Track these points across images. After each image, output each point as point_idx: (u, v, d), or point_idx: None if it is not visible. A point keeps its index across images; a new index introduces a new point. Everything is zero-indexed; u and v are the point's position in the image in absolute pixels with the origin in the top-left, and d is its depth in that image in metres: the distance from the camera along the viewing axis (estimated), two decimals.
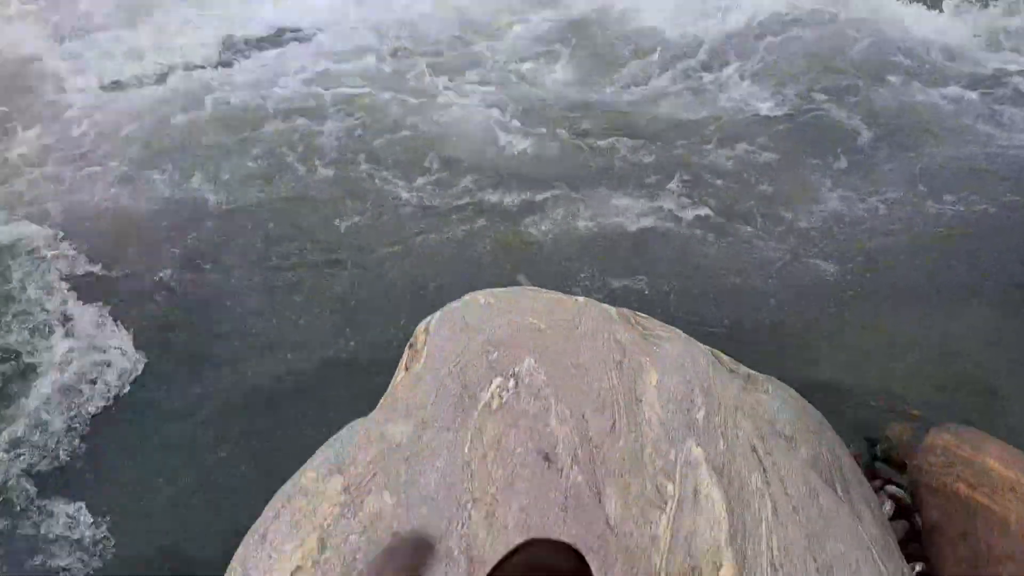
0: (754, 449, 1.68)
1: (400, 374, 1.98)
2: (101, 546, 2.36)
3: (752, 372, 2.11)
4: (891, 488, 2.15)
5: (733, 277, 3.07)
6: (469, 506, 1.47)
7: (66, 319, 3.04)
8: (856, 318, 2.86)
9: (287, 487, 1.57)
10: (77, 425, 2.73)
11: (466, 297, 2.06)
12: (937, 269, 3.03)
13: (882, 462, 2.31)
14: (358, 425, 1.70)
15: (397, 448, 1.59)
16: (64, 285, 3.17)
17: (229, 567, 1.44)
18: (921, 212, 3.32)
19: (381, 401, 1.84)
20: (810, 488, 1.64)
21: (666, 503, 1.52)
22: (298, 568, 1.38)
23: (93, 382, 2.84)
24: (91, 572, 2.30)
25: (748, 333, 2.76)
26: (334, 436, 1.70)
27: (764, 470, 1.63)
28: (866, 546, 1.59)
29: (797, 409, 1.98)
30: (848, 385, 2.59)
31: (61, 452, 2.64)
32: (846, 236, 3.23)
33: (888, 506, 2.06)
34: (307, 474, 1.57)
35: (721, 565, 1.41)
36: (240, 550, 1.46)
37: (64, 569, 2.29)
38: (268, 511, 1.52)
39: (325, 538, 1.42)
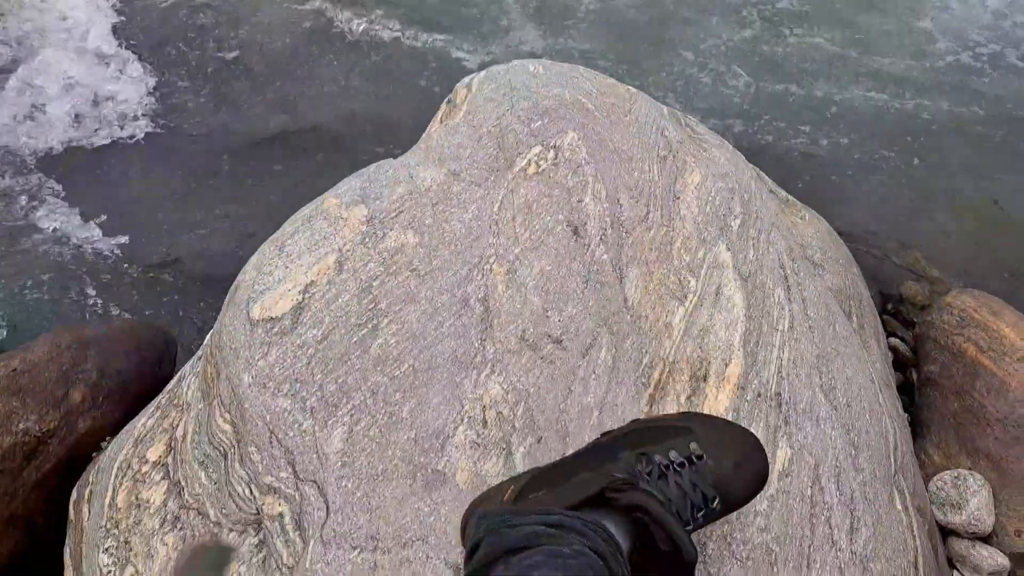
0: (782, 266, 1.64)
1: (435, 126, 1.89)
2: (115, 255, 2.36)
3: (791, 197, 2.05)
4: (894, 340, 2.16)
5: (796, 99, 2.93)
6: (492, 260, 1.44)
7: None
8: (909, 172, 2.76)
9: (308, 209, 1.53)
10: (91, 142, 2.67)
11: (514, 62, 1.94)
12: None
13: (891, 316, 2.30)
14: (387, 164, 1.64)
15: (426, 192, 1.54)
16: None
17: (242, 270, 1.42)
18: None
19: (413, 147, 1.77)
20: (829, 313, 1.63)
21: (686, 296, 1.49)
22: (312, 283, 1.36)
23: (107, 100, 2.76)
24: (102, 280, 2.31)
25: (794, 160, 2.68)
26: (362, 169, 1.64)
27: (788, 287, 1.60)
28: (870, 378, 1.59)
29: (828, 240, 1.93)
30: (876, 236, 2.54)
31: (73, 165, 2.60)
32: (939, 77, 3.03)
33: (889, 356, 2.07)
34: (330, 199, 1.52)
35: (730, 362, 1.40)
36: (255, 257, 1.43)
37: (72, 280, 2.30)
38: (287, 226, 1.48)
39: (343, 261, 1.40)
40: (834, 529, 1.28)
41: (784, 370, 1.44)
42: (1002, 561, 1.69)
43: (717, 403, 1.34)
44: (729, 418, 1.33)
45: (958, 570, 1.74)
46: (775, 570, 1.20)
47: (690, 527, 1.01)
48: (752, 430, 1.32)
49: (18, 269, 2.38)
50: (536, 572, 0.82)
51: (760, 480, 1.08)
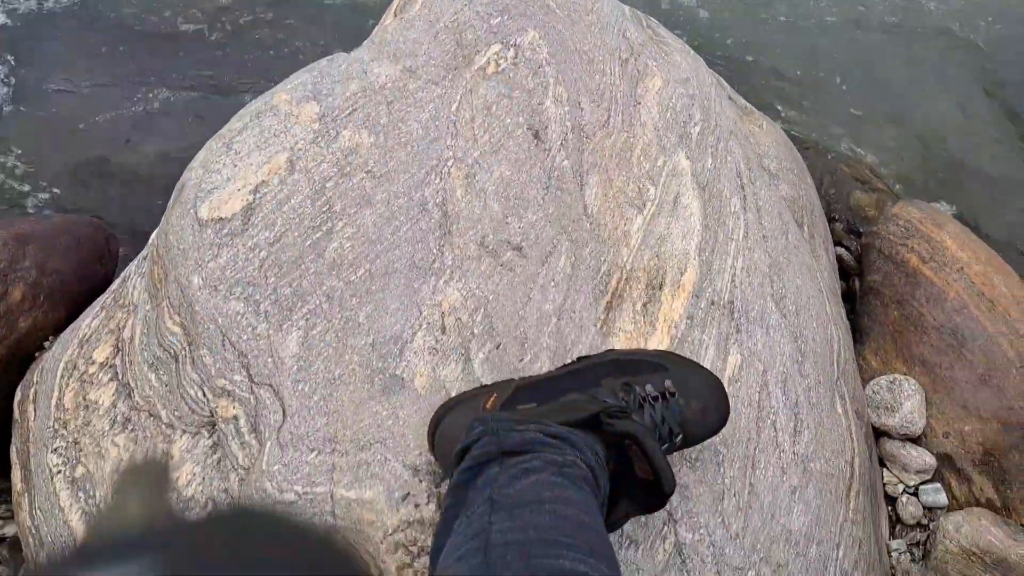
0: (739, 175, 1.64)
1: (389, 18, 1.81)
2: (45, 146, 2.23)
3: (749, 104, 2.03)
4: (840, 249, 2.20)
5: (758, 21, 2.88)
6: (450, 163, 1.40)
7: None
8: (863, 83, 2.76)
9: (256, 103, 1.46)
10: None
11: None
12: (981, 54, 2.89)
13: (838, 225, 2.35)
14: (339, 58, 1.57)
15: (380, 90, 1.48)
16: None
17: (188, 167, 1.36)
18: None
19: (367, 41, 1.69)
20: (783, 223, 1.64)
21: (645, 205, 1.49)
22: (263, 183, 1.31)
23: None
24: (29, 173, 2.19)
25: (751, 67, 2.65)
26: (312, 64, 1.56)
27: (744, 197, 1.60)
28: (819, 287, 1.63)
29: (784, 150, 1.94)
30: (826, 146, 2.56)
31: None
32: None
33: (836, 265, 2.11)
34: (280, 95, 1.45)
35: (685, 271, 1.41)
36: (201, 154, 1.37)
37: None
38: (234, 121, 1.41)
39: (295, 160, 1.34)
40: (779, 432, 1.33)
41: (737, 279, 1.46)
42: (929, 460, 1.79)
43: (672, 311, 1.35)
44: (682, 326, 1.35)
45: (888, 468, 1.84)
46: (722, 470, 1.24)
47: None
48: (706, 339, 1.34)
49: None
50: (533, 475, 0.84)
51: (721, 422, 1.14)
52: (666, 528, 1.17)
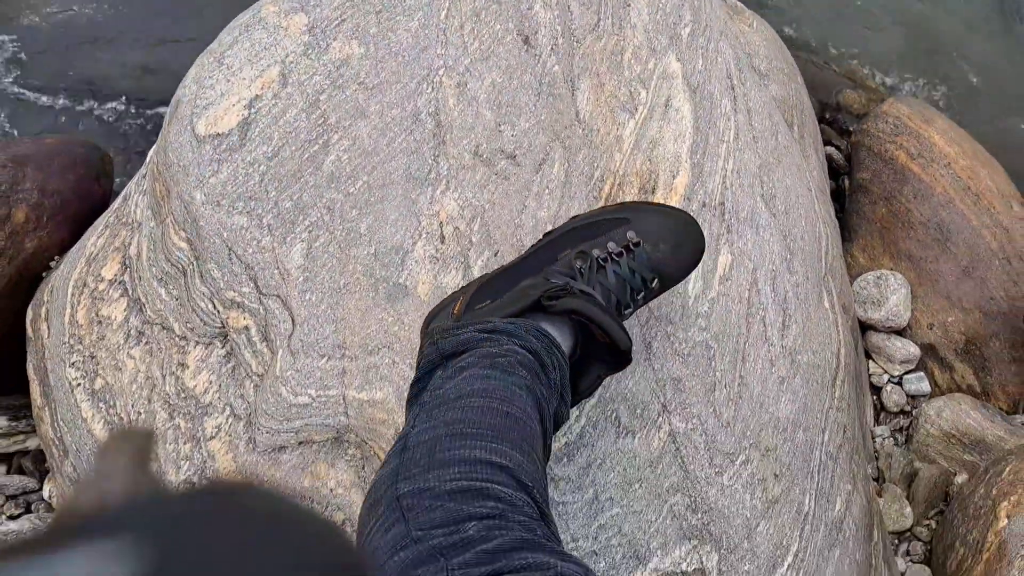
0: (729, 76, 1.64)
1: None
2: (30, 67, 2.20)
3: (739, 3, 2.02)
4: (829, 148, 2.22)
5: None
6: (441, 72, 1.41)
7: None
8: None
9: (244, 17, 1.45)
10: None
11: None
12: None
13: (827, 125, 2.36)
14: None
15: (368, 0, 1.47)
16: None
17: (181, 84, 1.36)
18: None
19: None
20: (772, 123, 1.66)
21: (636, 109, 1.50)
22: (257, 97, 1.32)
23: None
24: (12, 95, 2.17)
25: None
26: None
27: (735, 98, 1.61)
28: (807, 186, 1.66)
29: (774, 49, 1.93)
30: (817, 45, 2.54)
31: None
32: None
33: (825, 164, 2.14)
34: (268, 7, 1.44)
35: (678, 174, 1.44)
36: (193, 70, 1.37)
37: None
38: (224, 35, 1.41)
39: (287, 74, 1.35)
40: (768, 327, 1.39)
41: (728, 180, 1.48)
42: (913, 351, 1.86)
43: None
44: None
45: (873, 360, 1.91)
46: (713, 364, 1.30)
47: (630, 309, 1.11)
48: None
49: None
50: (468, 371, 0.89)
51: (697, 254, 1.17)
52: (660, 418, 1.24)
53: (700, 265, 1.35)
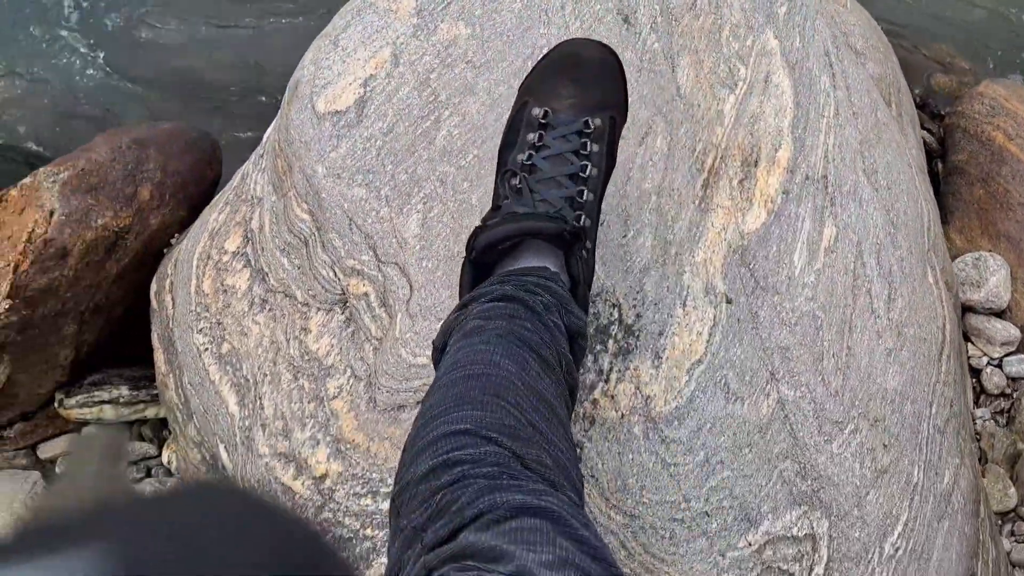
0: (827, 54, 1.64)
1: None
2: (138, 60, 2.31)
3: None
4: (922, 132, 2.19)
5: None
6: (544, 51, 1.44)
7: None
8: None
9: (356, 2, 1.51)
10: None
11: None
12: None
13: (918, 109, 2.32)
14: None
15: None
16: None
17: (299, 65, 1.43)
18: None
19: None
20: (871, 100, 1.65)
21: (736, 85, 1.51)
22: (371, 76, 1.37)
23: None
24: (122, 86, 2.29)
25: None
26: None
27: (833, 75, 1.61)
28: (907, 163, 1.65)
29: (869, 29, 1.92)
30: (906, 29, 2.50)
31: None
32: None
33: (922, 144, 2.11)
34: None
35: (779, 147, 1.45)
36: (310, 53, 1.44)
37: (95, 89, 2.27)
38: (337, 19, 1.47)
39: (398, 54, 1.40)
40: (874, 299, 1.38)
41: (830, 155, 1.48)
42: (1014, 332, 1.82)
43: (767, 186, 1.40)
44: (778, 200, 1.39)
45: (972, 343, 1.88)
46: (820, 334, 1.31)
47: (594, 170, 1.04)
48: (802, 212, 1.38)
49: (46, 67, 2.36)
50: (447, 355, 0.87)
51: (603, 63, 1.08)
52: (768, 386, 1.25)
53: (804, 236, 1.37)
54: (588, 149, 1.01)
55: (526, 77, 1.12)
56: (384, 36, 1.43)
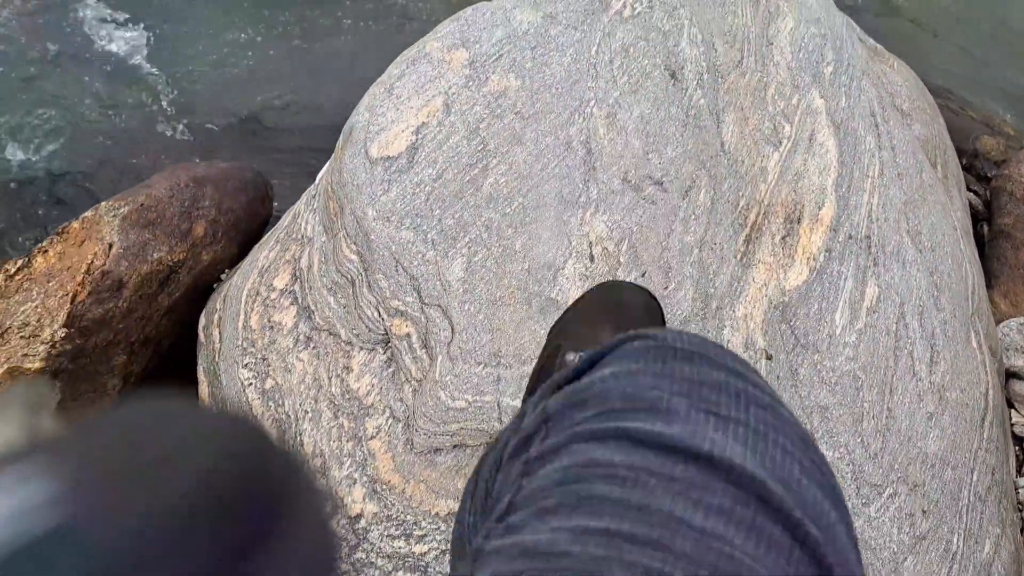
0: (872, 114, 1.65)
1: None
2: (199, 103, 2.40)
3: (879, 46, 2.02)
4: (968, 194, 2.17)
5: None
6: (592, 104, 1.48)
7: None
8: (991, 26, 2.68)
9: (411, 52, 1.56)
10: None
11: None
12: None
13: (965, 171, 2.31)
14: (483, 7, 1.65)
15: (523, 36, 1.56)
16: None
17: (355, 111, 1.48)
18: None
19: None
20: (917, 161, 1.65)
21: (781, 142, 1.53)
22: (423, 124, 1.42)
23: None
24: (180, 131, 2.37)
25: (877, 10, 2.61)
26: (457, 13, 1.65)
27: (879, 135, 1.62)
28: (952, 225, 1.64)
29: (916, 90, 1.93)
30: (952, 90, 2.50)
31: (132, 24, 2.60)
32: None
33: (968, 206, 2.09)
34: (432, 43, 1.55)
35: (823, 205, 1.45)
36: (366, 99, 1.49)
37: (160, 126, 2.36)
38: (393, 69, 1.52)
39: (450, 103, 1.44)
40: (916, 361, 1.37)
41: (874, 214, 1.49)
42: None
43: (810, 243, 1.40)
44: (821, 258, 1.39)
45: (1016, 410, 1.84)
46: (860, 395, 1.30)
47: None
48: (844, 271, 1.38)
49: (108, 111, 2.46)
50: None
51: (629, 297, 1.04)
52: None
53: (847, 295, 1.36)
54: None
55: (557, 321, 1.07)
56: (437, 85, 1.47)
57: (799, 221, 1.42)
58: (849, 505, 1.20)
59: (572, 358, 0.95)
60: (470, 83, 1.48)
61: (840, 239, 1.42)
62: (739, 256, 1.37)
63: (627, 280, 1.10)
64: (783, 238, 1.40)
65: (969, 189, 2.22)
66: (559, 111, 1.46)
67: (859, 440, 1.27)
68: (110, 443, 0.33)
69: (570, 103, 1.47)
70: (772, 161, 1.49)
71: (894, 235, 1.48)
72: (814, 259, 1.38)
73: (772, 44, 1.68)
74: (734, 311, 1.31)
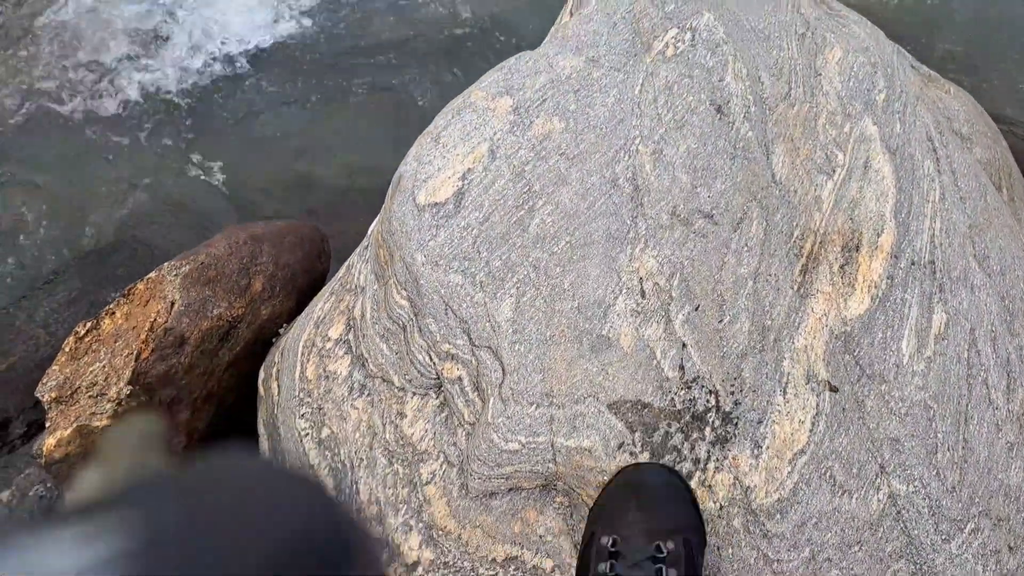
0: (930, 139, 1.61)
1: (565, 17, 1.91)
2: (263, 167, 2.49)
3: (933, 72, 1.98)
4: None
5: None
6: (637, 141, 1.48)
7: None
8: None
9: (456, 102, 1.59)
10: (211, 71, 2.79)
11: None
12: None
13: None
14: (526, 55, 1.68)
15: (567, 80, 1.58)
16: None
17: (403, 162, 1.51)
18: None
19: (547, 38, 1.80)
20: (980, 185, 1.60)
21: (834, 171, 1.49)
22: (469, 170, 1.43)
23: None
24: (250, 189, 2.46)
25: (933, 37, 2.56)
26: (501, 63, 1.69)
27: (937, 159, 1.57)
28: (1023, 248, 1.57)
29: (975, 114, 1.87)
30: (1018, 116, 2.43)
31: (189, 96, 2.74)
32: None
33: None
34: (476, 93, 1.58)
35: (882, 232, 1.41)
36: (413, 149, 1.51)
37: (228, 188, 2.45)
38: (439, 119, 1.55)
39: (495, 148, 1.46)
40: (991, 389, 1.30)
41: (936, 239, 1.43)
42: None
43: (870, 271, 1.36)
44: (883, 286, 1.34)
45: None
46: (933, 425, 1.23)
47: None
48: (908, 298, 1.33)
49: (172, 178, 2.57)
50: None
51: (662, 489, 1.12)
52: (879, 479, 1.18)
53: (912, 322, 1.31)
54: (664, 575, 0.98)
55: (591, 510, 1.13)
56: (482, 132, 1.49)
57: (857, 249, 1.38)
58: (928, 541, 1.13)
59: (605, 541, 1.02)
60: (515, 128, 1.50)
61: (902, 266, 1.37)
62: (796, 287, 1.34)
63: (649, 461, 1.14)
64: (841, 267, 1.36)
65: None
66: (604, 150, 1.46)
67: (935, 473, 1.20)
68: (182, 501, 0.34)
69: (615, 142, 1.48)
70: (826, 190, 1.46)
71: (960, 260, 1.42)
72: (875, 287, 1.34)
73: (820, 75, 1.66)
74: (793, 343, 1.27)
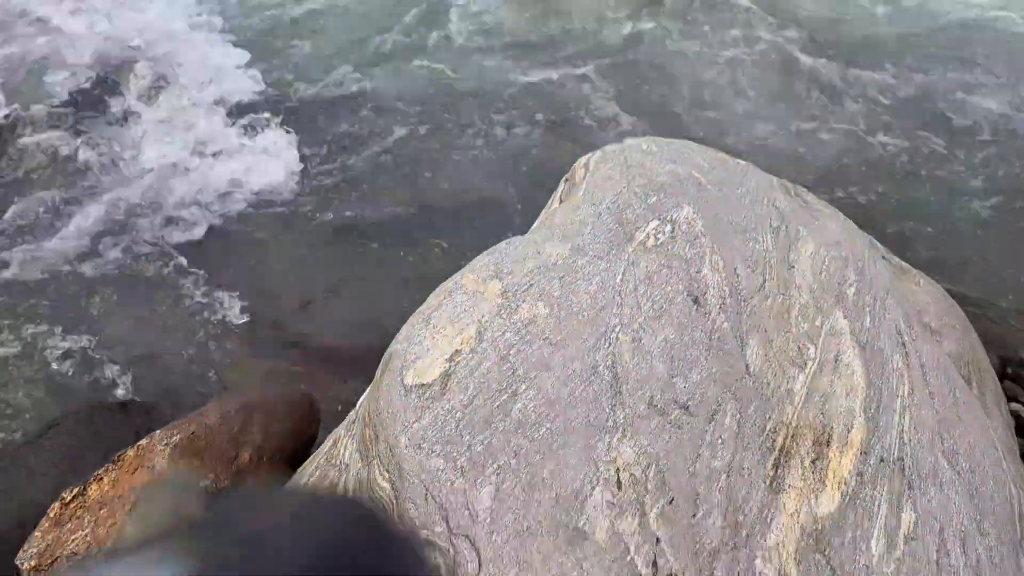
0: (899, 332, 1.69)
1: (554, 204, 2.04)
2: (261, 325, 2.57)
3: (904, 264, 2.09)
4: (1016, 405, 2.14)
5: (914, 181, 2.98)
6: (617, 329, 1.55)
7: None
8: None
9: (448, 284, 1.68)
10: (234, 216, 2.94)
11: (627, 141, 2.08)
12: None
13: (1011, 381, 2.29)
14: (516, 241, 1.79)
15: (553, 266, 1.67)
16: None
17: (395, 340, 1.57)
18: None
19: (536, 224, 1.92)
20: (948, 379, 1.66)
21: (806, 364, 1.56)
22: (457, 352, 1.50)
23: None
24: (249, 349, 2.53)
25: (906, 225, 2.70)
26: (493, 247, 1.79)
27: (906, 353, 1.64)
28: (992, 444, 1.61)
29: (945, 306, 1.96)
30: (989, 300, 2.53)
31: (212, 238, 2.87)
32: None
33: (1011, 422, 2.06)
34: (468, 275, 1.67)
35: (852, 428, 1.46)
36: (405, 329, 1.59)
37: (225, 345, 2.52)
38: (431, 299, 1.63)
39: (483, 331, 1.53)
40: None
41: (906, 435, 1.48)
42: None
43: (841, 467, 1.40)
44: (852, 483, 1.38)
45: None
46: None
47: None
48: (877, 496, 1.37)
49: (173, 340, 2.64)
50: None
51: None
52: None
53: (882, 521, 1.34)
54: None
55: None
56: (471, 315, 1.57)
57: (828, 444, 1.43)
58: None
59: None
60: (502, 311, 1.57)
61: (871, 462, 1.41)
62: (768, 481, 1.37)
63: None
64: (813, 461, 1.40)
65: (1017, 400, 2.19)
66: (585, 337, 1.53)
67: None
68: (236, 531, 0.38)
69: (596, 329, 1.55)
70: (798, 383, 1.52)
71: (929, 456, 1.47)
72: (845, 484, 1.37)
73: (794, 268, 1.76)
74: (765, 540, 1.30)
